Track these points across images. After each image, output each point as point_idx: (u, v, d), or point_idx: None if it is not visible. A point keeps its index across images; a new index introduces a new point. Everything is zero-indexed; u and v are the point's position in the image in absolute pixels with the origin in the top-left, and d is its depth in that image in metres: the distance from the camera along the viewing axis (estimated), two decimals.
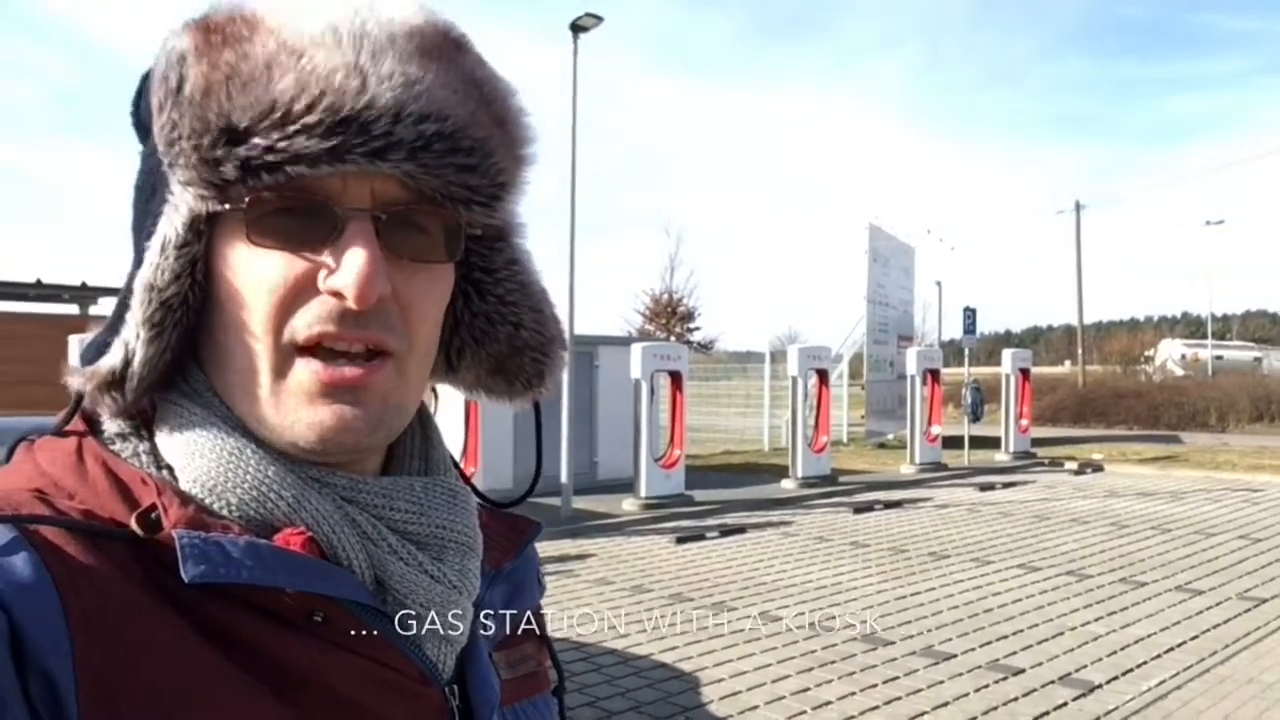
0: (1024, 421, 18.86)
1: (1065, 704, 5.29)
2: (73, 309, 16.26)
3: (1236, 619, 7.03)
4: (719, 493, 13.33)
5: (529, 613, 0.81)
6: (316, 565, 0.60)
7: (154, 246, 0.62)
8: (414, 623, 0.64)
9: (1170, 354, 44.07)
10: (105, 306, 15.95)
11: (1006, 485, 14.99)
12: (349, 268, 0.58)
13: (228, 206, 0.60)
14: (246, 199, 0.59)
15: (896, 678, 5.73)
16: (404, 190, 0.61)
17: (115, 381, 0.63)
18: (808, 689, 5.53)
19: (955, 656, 6.14)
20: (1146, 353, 44.29)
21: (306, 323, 0.60)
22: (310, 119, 0.57)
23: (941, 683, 5.64)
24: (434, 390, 0.80)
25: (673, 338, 33.10)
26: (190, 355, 0.66)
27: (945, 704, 5.29)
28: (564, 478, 11.20)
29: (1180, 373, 38.57)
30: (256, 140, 0.57)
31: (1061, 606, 7.40)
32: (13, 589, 0.51)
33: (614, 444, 14.04)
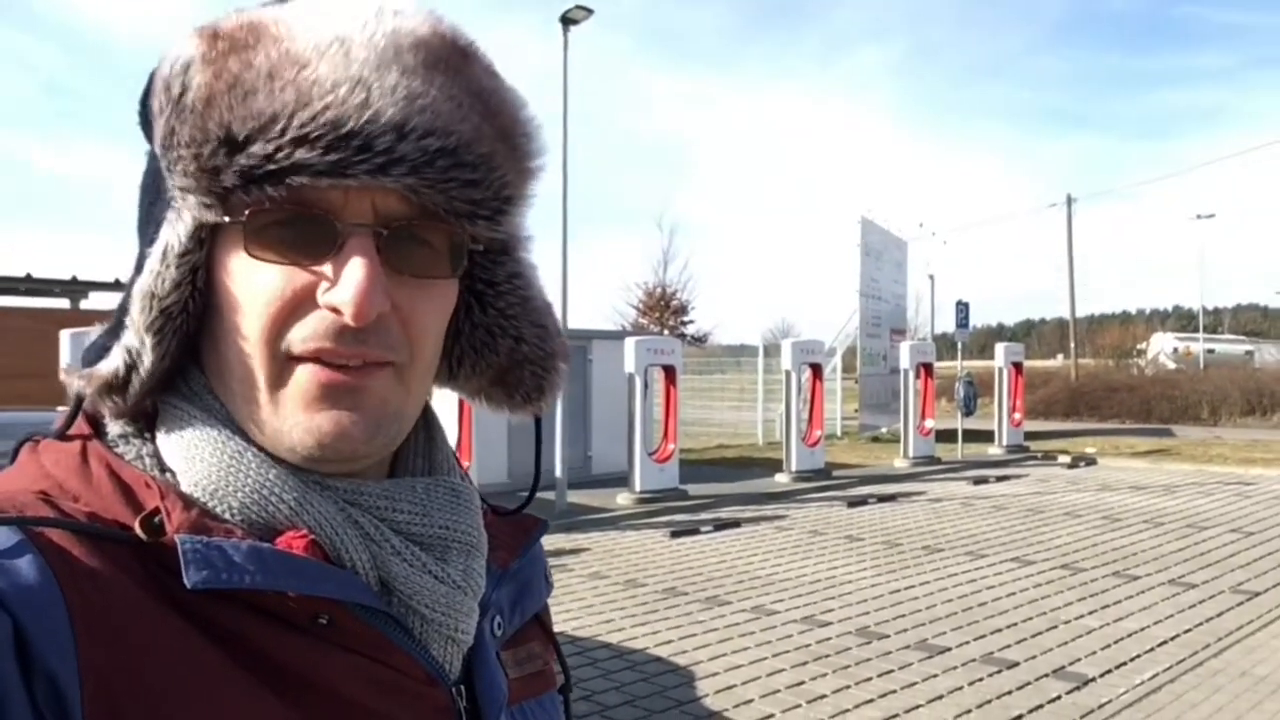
0: (1017, 415, 18.92)
1: (1059, 697, 5.30)
2: (64, 303, 16.17)
3: (1229, 612, 7.06)
4: (713, 487, 13.35)
5: (535, 612, 0.81)
6: (319, 568, 0.60)
7: (155, 253, 0.62)
8: (419, 624, 0.64)
9: (1162, 347, 44.27)
10: (96, 301, 15.87)
11: (1000, 479, 15.04)
12: (348, 284, 0.58)
13: (228, 219, 0.59)
14: (247, 211, 0.58)
15: (891, 671, 5.74)
16: (406, 205, 0.61)
17: (116, 386, 0.63)
18: (802, 682, 5.54)
19: (949, 650, 6.15)
20: (1139, 346, 44.43)
21: (303, 337, 0.59)
22: (312, 133, 0.57)
23: (935, 676, 5.65)
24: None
25: (666, 331, 33.13)
26: (192, 359, 0.66)
27: (939, 697, 5.30)
28: (558, 472, 11.21)
29: (1172, 366, 38.73)
30: (256, 152, 0.57)
31: (1055, 600, 7.43)
32: (18, 591, 0.51)
33: (608, 438, 14.06)
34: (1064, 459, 17.67)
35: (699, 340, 39.12)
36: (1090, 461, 17.62)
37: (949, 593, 7.68)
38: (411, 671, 0.63)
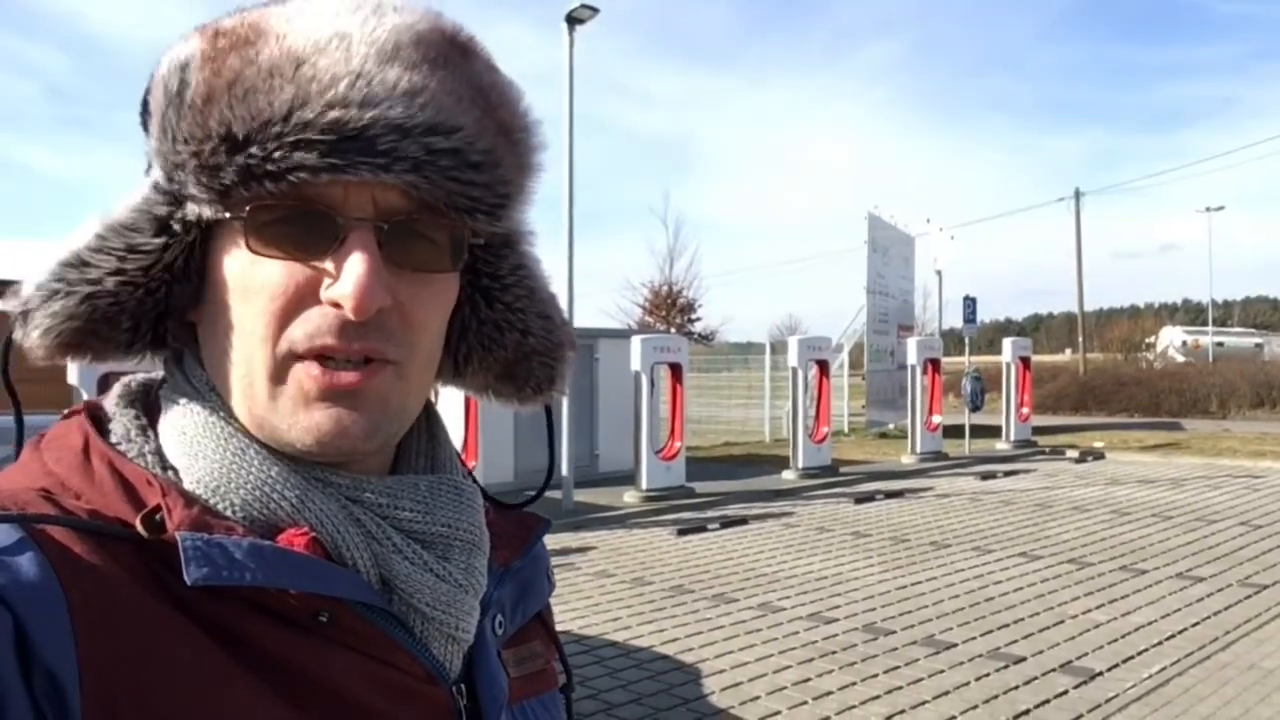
0: (1025, 410, 18.86)
1: (1066, 692, 5.30)
2: None
3: (1237, 606, 7.04)
4: (720, 484, 13.34)
5: (537, 610, 0.81)
6: (320, 565, 0.60)
7: (99, 224, 0.63)
8: (420, 622, 0.64)
9: (1171, 341, 44.07)
10: None
11: (1007, 474, 15.00)
12: (348, 278, 0.58)
13: (228, 215, 0.60)
14: (248, 207, 0.59)
15: (897, 667, 5.74)
16: (407, 199, 0.61)
17: (26, 313, 0.64)
18: (809, 679, 5.55)
19: (956, 646, 6.15)
20: (1147, 340, 44.23)
21: (306, 333, 0.60)
22: (312, 129, 0.57)
23: (942, 672, 5.65)
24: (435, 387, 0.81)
25: (672, 329, 33.10)
26: (193, 356, 0.66)
27: (946, 693, 5.30)
28: (565, 470, 11.21)
29: (1181, 359, 38.55)
30: (256, 150, 0.57)
31: (1062, 595, 7.42)
32: (18, 587, 0.52)
33: (615, 436, 14.05)
34: (1072, 453, 17.62)
35: (706, 338, 39.08)
36: (1098, 456, 17.56)
37: (956, 588, 7.68)
38: (412, 670, 0.63)
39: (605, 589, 7.76)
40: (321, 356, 0.60)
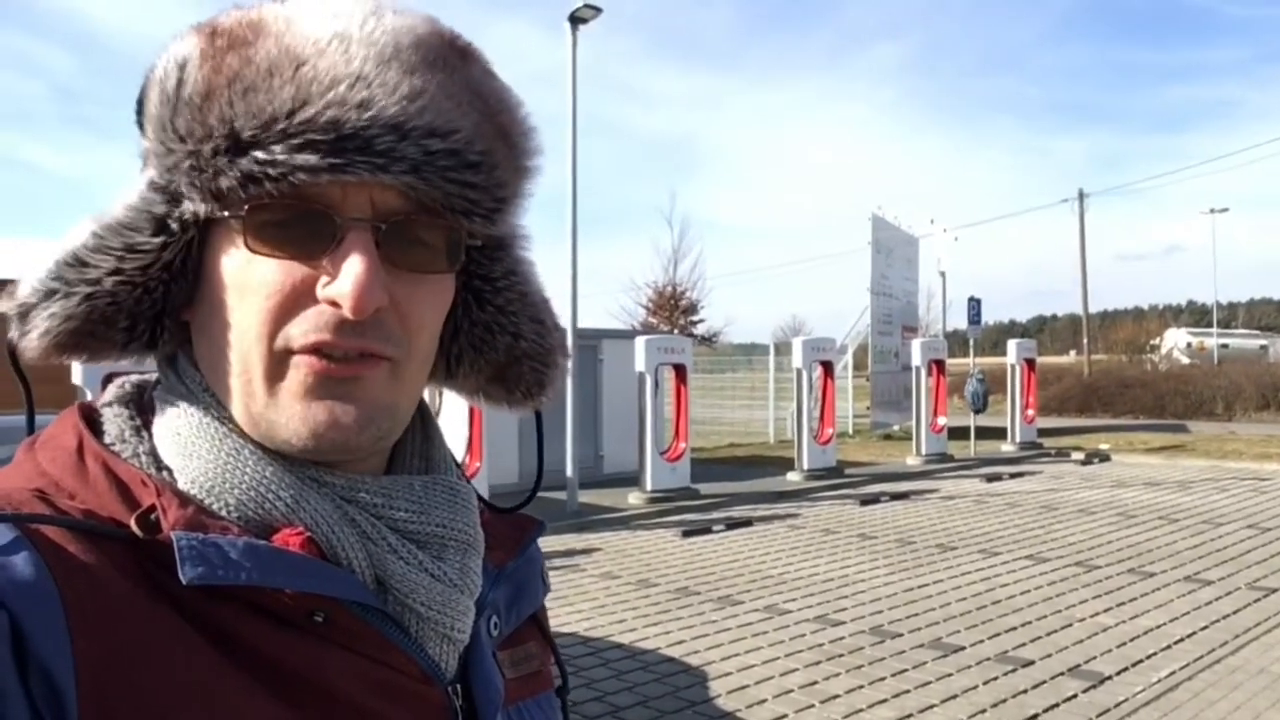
0: (1030, 412, 18.83)
1: (1075, 696, 5.26)
2: None
3: (1246, 609, 7.00)
4: (724, 485, 13.32)
5: (532, 612, 0.81)
6: (315, 565, 0.60)
7: (95, 223, 0.63)
8: (415, 622, 0.64)
9: (1176, 343, 44.06)
10: None
11: (1013, 476, 14.97)
12: (346, 277, 0.58)
13: (226, 214, 0.60)
14: (246, 206, 0.59)
15: (905, 671, 5.71)
16: (404, 200, 0.61)
17: (23, 314, 0.63)
18: (815, 682, 5.52)
19: (964, 649, 6.12)
20: (1152, 342, 44.15)
21: (303, 331, 0.60)
22: (311, 129, 0.57)
23: (950, 675, 5.62)
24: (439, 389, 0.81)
25: (676, 330, 33.09)
26: (187, 355, 0.66)
27: (954, 697, 5.26)
28: (569, 472, 11.17)
29: (1186, 361, 38.54)
30: (255, 149, 0.57)
31: (1070, 598, 7.38)
32: (14, 587, 0.52)
33: (619, 437, 14.05)
34: (1077, 455, 17.58)
35: (709, 339, 39.08)
36: (1104, 458, 17.52)
37: (963, 591, 7.64)
38: (407, 670, 0.63)
39: (610, 590, 7.74)
40: (318, 352, 0.60)
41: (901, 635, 6.43)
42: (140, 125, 0.64)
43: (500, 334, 0.73)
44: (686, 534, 10.15)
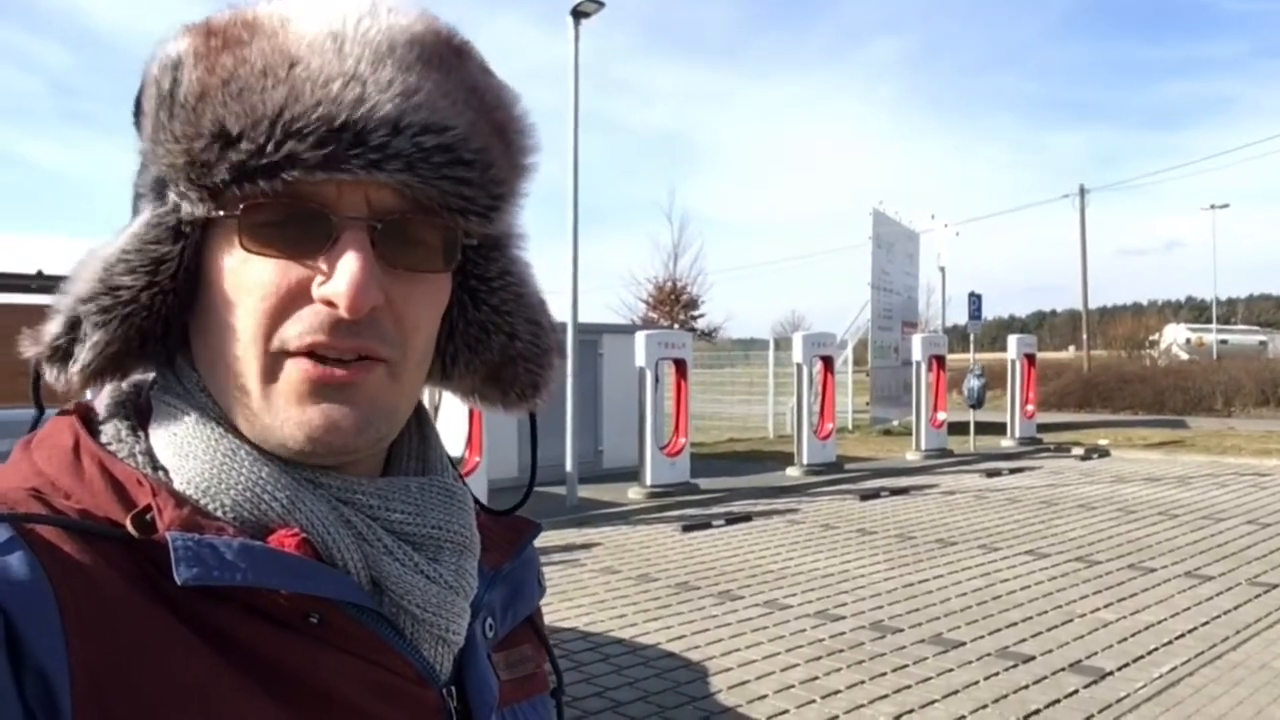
0: (1029, 407, 18.83)
1: (1076, 691, 5.26)
2: None
3: (1246, 604, 7.00)
4: (724, 480, 13.32)
5: (528, 614, 0.81)
6: (311, 566, 0.60)
7: (123, 235, 0.63)
8: (410, 624, 0.64)
9: (1175, 338, 44.02)
10: None
11: (1013, 471, 14.97)
12: (341, 277, 0.58)
13: (221, 213, 0.60)
14: (241, 206, 0.59)
15: (905, 666, 5.70)
16: (400, 199, 0.61)
17: (61, 355, 0.63)
18: (816, 677, 5.51)
19: (964, 644, 6.11)
20: (1151, 337, 44.10)
21: (298, 331, 0.59)
22: (306, 128, 0.57)
23: (951, 671, 5.61)
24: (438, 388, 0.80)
25: (676, 325, 33.08)
26: (184, 356, 0.66)
27: (955, 692, 5.26)
28: (569, 466, 11.15)
29: (1185, 357, 38.51)
30: (250, 147, 0.57)
31: (1070, 593, 7.38)
32: (8, 587, 0.51)
33: (618, 432, 14.04)
34: (1077, 451, 17.58)
35: (709, 334, 39.09)
36: (1104, 453, 17.53)
37: (963, 586, 7.64)
38: (402, 671, 0.63)
39: (610, 586, 7.73)
40: (314, 353, 0.60)
41: (902, 630, 6.42)
42: (138, 126, 0.64)
43: (495, 334, 0.73)
44: (686, 529, 10.15)
